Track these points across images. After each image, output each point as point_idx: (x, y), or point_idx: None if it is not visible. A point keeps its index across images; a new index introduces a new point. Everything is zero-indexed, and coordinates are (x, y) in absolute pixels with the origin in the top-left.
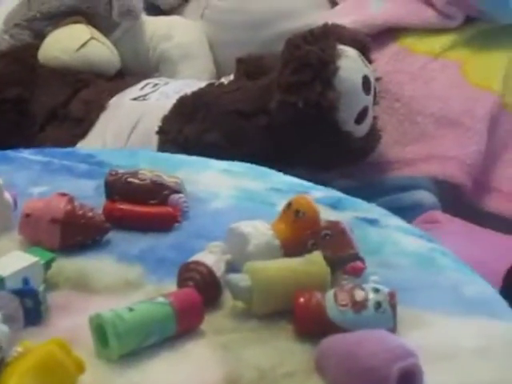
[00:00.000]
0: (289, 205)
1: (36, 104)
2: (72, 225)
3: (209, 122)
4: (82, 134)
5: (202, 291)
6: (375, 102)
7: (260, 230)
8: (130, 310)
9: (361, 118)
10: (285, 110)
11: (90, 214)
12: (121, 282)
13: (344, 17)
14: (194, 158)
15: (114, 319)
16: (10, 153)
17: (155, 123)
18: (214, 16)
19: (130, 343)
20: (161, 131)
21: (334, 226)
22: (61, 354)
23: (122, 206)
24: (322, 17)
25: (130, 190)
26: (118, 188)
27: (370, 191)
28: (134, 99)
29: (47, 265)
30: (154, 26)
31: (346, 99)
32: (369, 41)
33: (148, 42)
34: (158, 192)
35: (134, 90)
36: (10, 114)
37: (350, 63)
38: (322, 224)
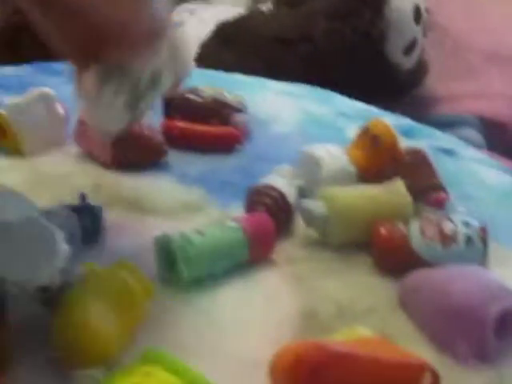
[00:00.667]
0: (365, 130)
1: None
2: (124, 138)
3: (248, 49)
4: None
5: (274, 217)
6: (424, 34)
7: (334, 155)
8: (200, 234)
9: (410, 49)
10: (331, 37)
11: (147, 132)
12: (181, 203)
13: None
14: (250, 78)
15: (184, 243)
16: (54, 66)
17: (193, 49)
18: None
19: (199, 268)
20: (199, 57)
21: (415, 153)
22: (131, 279)
23: (180, 125)
24: None
25: (190, 107)
26: (177, 105)
27: None
28: None
29: None
30: None
31: (395, 29)
32: None
33: None
34: (219, 110)
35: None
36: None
37: None
38: (401, 151)
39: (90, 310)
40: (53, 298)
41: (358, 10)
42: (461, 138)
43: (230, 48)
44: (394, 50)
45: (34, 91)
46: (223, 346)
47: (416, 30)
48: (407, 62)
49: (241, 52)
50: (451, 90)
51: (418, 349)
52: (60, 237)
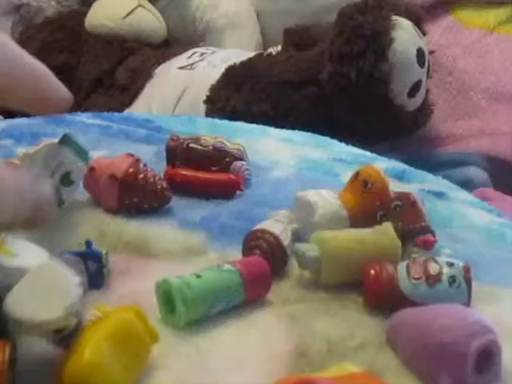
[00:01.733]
0: (356, 174)
1: (82, 71)
2: (129, 184)
3: (257, 92)
4: (128, 102)
5: (269, 260)
6: (428, 76)
7: (327, 199)
8: (198, 276)
9: (414, 91)
10: (336, 80)
11: (152, 179)
12: (183, 248)
13: None
14: (252, 126)
15: (182, 286)
16: (66, 116)
17: (202, 92)
18: None
19: (197, 310)
20: (208, 100)
21: (405, 197)
22: (138, 323)
23: (183, 172)
24: None
25: (192, 156)
26: (180, 153)
27: (420, 166)
28: (181, 68)
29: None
30: None
31: (399, 71)
32: (423, 12)
33: (194, 11)
34: (220, 159)
35: (181, 59)
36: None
37: (404, 35)
38: (391, 195)
39: (101, 350)
40: (66, 339)
41: (362, 54)
42: (466, 176)
43: (239, 91)
44: (399, 92)
45: (43, 142)
46: (221, 381)
47: (420, 72)
48: (412, 104)
49: (249, 95)
50: (456, 129)
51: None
52: (75, 280)
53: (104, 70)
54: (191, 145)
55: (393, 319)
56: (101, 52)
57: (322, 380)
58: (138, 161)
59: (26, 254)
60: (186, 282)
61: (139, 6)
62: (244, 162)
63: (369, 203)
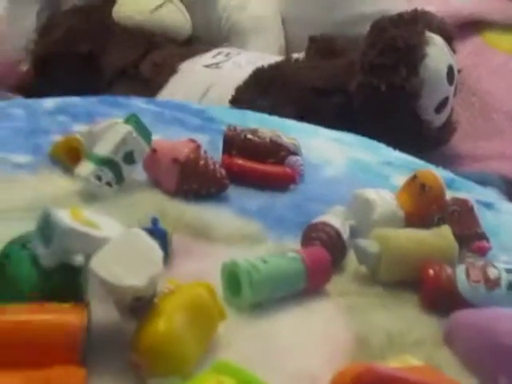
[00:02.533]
0: (414, 177)
1: (106, 61)
2: (191, 169)
3: (284, 96)
4: (151, 95)
5: (329, 252)
6: (455, 94)
7: (385, 199)
8: (264, 261)
9: (441, 107)
10: (365, 91)
11: (212, 166)
12: (241, 234)
13: (426, 5)
14: (303, 125)
15: (250, 268)
16: (120, 99)
17: (227, 92)
18: None
19: (262, 293)
20: (234, 100)
21: (463, 203)
22: (209, 299)
23: (240, 162)
24: (400, 4)
25: (249, 147)
26: (237, 144)
27: None
28: (207, 66)
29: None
30: None
31: (429, 87)
32: (455, 31)
33: (221, 11)
34: (276, 152)
35: (207, 57)
36: (80, 69)
37: (437, 51)
38: (448, 200)
39: (175, 320)
40: (142, 308)
41: (395, 66)
42: None
43: (265, 94)
44: (427, 107)
45: (107, 121)
46: (283, 365)
47: (449, 90)
48: (437, 120)
49: (275, 98)
50: (476, 149)
51: (462, 380)
52: (159, 251)
53: (128, 62)
54: (248, 136)
55: (451, 319)
56: (127, 43)
57: (387, 369)
58: (199, 147)
59: (108, 226)
60: (254, 266)
61: (168, 1)
62: (299, 157)
63: (425, 206)
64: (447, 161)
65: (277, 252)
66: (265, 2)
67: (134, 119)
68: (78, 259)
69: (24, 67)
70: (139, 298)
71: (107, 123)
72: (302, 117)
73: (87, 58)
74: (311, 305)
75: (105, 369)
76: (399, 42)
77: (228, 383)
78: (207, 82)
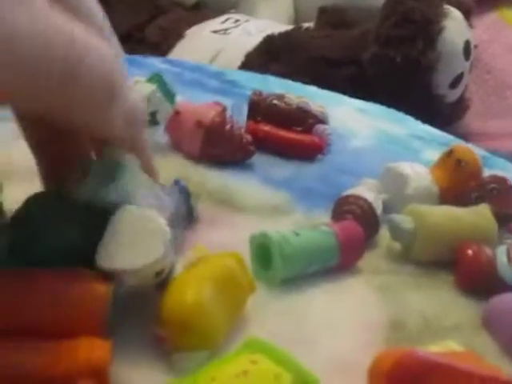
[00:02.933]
0: (450, 152)
1: (111, 24)
2: (215, 133)
3: (295, 64)
4: None
5: (362, 226)
6: (469, 70)
7: (420, 174)
8: (296, 234)
9: (456, 82)
10: (380, 62)
11: (238, 131)
12: (268, 205)
13: None
14: (327, 92)
15: (281, 241)
16: (138, 58)
17: (236, 58)
18: None
19: (294, 267)
20: (244, 66)
21: (502, 181)
22: (239, 270)
23: (266, 128)
24: None
25: (275, 113)
26: (262, 109)
27: None
28: (215, 32)
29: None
30: None
31: (445, 61)
32: (473, 5)
33: None
34: (303, 119)
35: (215, 23)
36: None
37: (454, 25)
38: (485, 177)
39: (203, 292)
40: (165, 281)
41: (411, 39)
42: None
43: (277, 61)
44: (442, 81)
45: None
46: (316, 344)
47: (464, 65)
48: (451, 96)
49: (287, 66)
50: (488, 127)
51: (502, 367)
52: (161, 220)
53: (134, 26)
54: (275, 101)
55: (490, 303)
56: (132, 7)
57: (430, 354)
58: (224, 110)
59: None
60: (286, 238)
61: None
62: (327, 126)
63: (462, 182)
64: (459, 138)
65: (307, 224)
66: None
67: (157, 78)
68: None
69: None
70: (159, 272)
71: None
72: (314, 86)
73: None
74: (343, 282)
75: (130, 342)
76: (416, 14)
77: (262, 362)
78: (215, 48)
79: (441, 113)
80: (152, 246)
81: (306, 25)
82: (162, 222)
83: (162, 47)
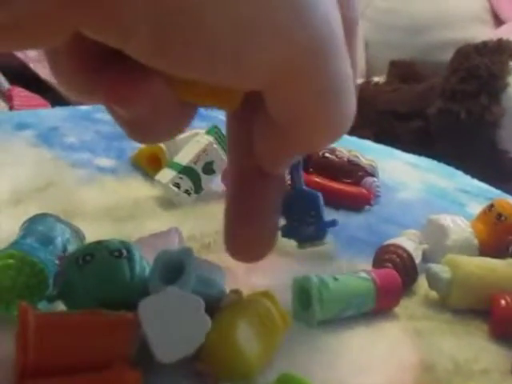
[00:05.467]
0: (490, 206)
1: None
2: None
3: (361, 117)
4: None
5: (400, 274)
6: None
7: (460, 226)
8: (335, 279)
9: None
10: (445, 117)
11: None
12: (312, 251)
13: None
14: (379, 146)
15: (320, 285)
16: (201, 110)
17: None
18: (376, 15)
19: (330, 311)
20: None
21: None
22: (272, 307)
23: (318, 179)
24: (484, 32)
25: (327, 165)
26: (314, 161)
27: None
28: None
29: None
30: None
31: (510, 117)
32: None
33: None
34: (353, 172)
35: None
36: None
37: None
38: None
39: (239, 328)
40: None
41: (476, 94)
42: None
43: None
44: (506, 136)
45: (190, 131)
46: (347, 382)
47: None
48: None
49: (354, 120)
50: None
51: None
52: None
53: None
54: (327, 154)
55: None
56: None
57: None
58: None
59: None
60: (325, 283)
61: None
62: (375, 179)
63: (501, 235)
64: None
65: (348, 271)
66: None
67: (215, 130)
68: None
69: None
70: None
71: (189, 133)
72: (378, 140)
73: None
74: (378, 325)
75: (174, 377)
76: (482, 69)
77: None
78: None
79: (505, 167)
80: (195, 332)
81: (376, 78)
82: (203, 311)
83: None
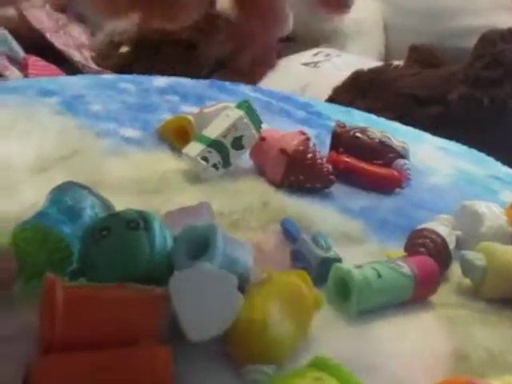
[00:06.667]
0: None
1: (206, 51)
2: (298, 161)
3: (382, 100)
4: None
5: (434, 260)
6: None
7: (495, 213)
8: (379, 275)
9: None
10: (466, 103)
11: (320, 160)
12: (343, 232)
13: None
14: (409, 129)
15: (363, 284)
16: (227, 85)
17: (324, 92)
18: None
19: (369, 304)
20: (330, 100)
21: None
22: (304, 287)
23: (348, 159)
24: (505, 20)
25: (357, 146)
26: (345, 141)
27: None
28: (305, 64)
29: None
30: None
31: None
32: None
33: (324, 12)
34: (384, 153)
35: (306, 56)
36: (179, 56)
37: None
38: None
39: (270, 309)
40: None
41: (500, 81)
42: None
43: (363, 97)
44: None
45: (219, 104)
46: (380, 368)
47: None
48: None
49: (373, 102)
50: None
51: None
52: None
53: (227, 54)
54: (357, 134)
55: None
56: (227, 35)
57: None
58: (308, 140)
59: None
60: (368, 282)
61: None
62: (407, 161)
63: None
64: None
65: (382, 256)
66: (369, 7)
67: (246, 105)
68: None
69: (125, 49)
70: None
71: (219, 106)
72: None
73: (187, 46)
74: (412, 313)
75: (201, 355)
76: (507, 56)
77: (326, 381)
78: (304, 80)
79: None
80: (228, 310)
81: (395, 62)
82: (235, 288)
83: (252, 76)
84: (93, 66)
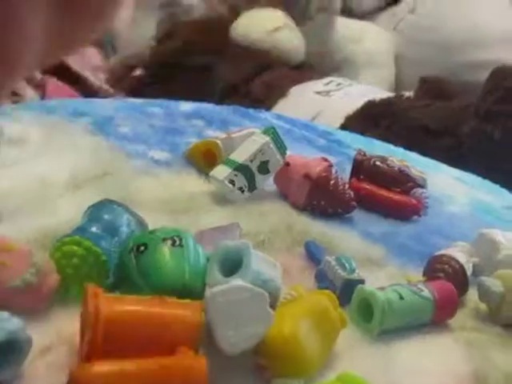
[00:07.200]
0: None
1: (219, 75)
2: (321, 187)
3: (394, 131)
4: None
5: (452, 285)
6: None
7: (511, 242)
8: (401, 297)
9: None
10: (478, 136)
11: (342, 186)
12: (365, 256)
13: None
14: (426, 160)
15: (385, 305)
16: (250, 111)
17: (335, 120)
18: (408, 31)
19: (390, 325)
20: (343, 129)
21: None
22: (331, 306)
23: (368, 186)
24: None
25: (377, 173)
26: (365, 168)
27: None
28: (317, 93)
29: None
30: (346, 27)
31: None
32: None
33: (336, 41)
34: (403, 181)
35: (318, 84)
36: (193, 80)
37: None
38: None
39: (299, 325)
40: None
41: (511, 115)
42: None
43: (376, 126)
44: None
45: (246, 129)
46: None
47: None
48: None
49: (385, 133)
50: None
51: None
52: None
53: (240, 79)
54: (378, 163)
55: None
56: (241, 61)
57: None
58: (331, 166)
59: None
60: (390, 304)
61: (285, 25)
62: (425, 190)
63: None
64: None
65: (404, 280)
66: (381, 38)
67: (272, 131)
68: None
69: (138, 72)
70: None
71: (246, 131)
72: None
73: (201, 70)
74: (431, 335)
75: (234, 369)
76: None
77: None
78: (316, 109)
79: None
80: (261, 325)
81: (406, 94)
82: (268, 305)
83: (264, 103)
84: (107, 88)
